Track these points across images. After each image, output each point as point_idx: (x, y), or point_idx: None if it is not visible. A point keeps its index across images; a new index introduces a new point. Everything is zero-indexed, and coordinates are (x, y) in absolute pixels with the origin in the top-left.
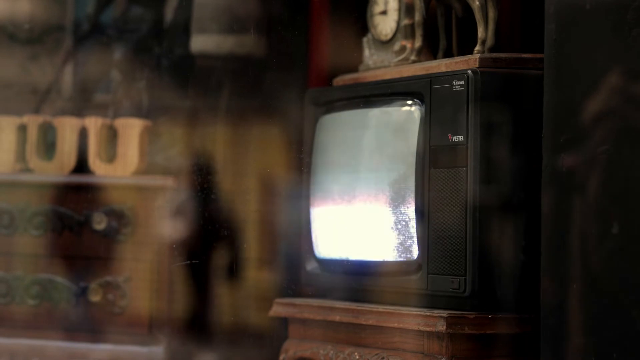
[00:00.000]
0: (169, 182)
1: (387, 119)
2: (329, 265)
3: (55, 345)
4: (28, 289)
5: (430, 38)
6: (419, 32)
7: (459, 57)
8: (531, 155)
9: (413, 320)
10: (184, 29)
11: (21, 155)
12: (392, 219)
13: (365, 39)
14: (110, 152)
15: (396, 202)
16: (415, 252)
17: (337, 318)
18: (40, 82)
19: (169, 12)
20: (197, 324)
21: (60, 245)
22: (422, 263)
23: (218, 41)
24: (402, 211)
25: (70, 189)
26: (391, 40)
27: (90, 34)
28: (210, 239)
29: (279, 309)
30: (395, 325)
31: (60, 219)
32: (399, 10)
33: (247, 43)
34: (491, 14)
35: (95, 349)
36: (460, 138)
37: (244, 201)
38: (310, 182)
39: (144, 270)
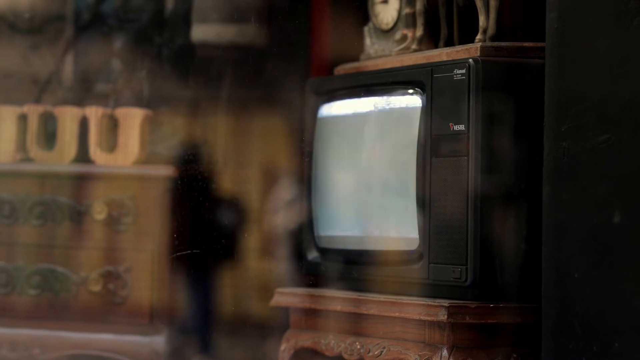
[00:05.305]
0: (169, 171)
1: (388, 108)
2: (330, 254)
3: (56, 335)
4: (29, 279)
5: (431, 27)
6: (420, 21)
7: (460, 46)
8: (532, 144)
9: (414, 309)
10: (184, 18)
11: (22, 145)
12: (394, 208)
13: (366, 28)
14: (111, 142)
15: (397, 192)
16: (416, 242)
17: (338, 308)
18: (41, 71)
19: (170, 2)
20: (199, 314)
21: (61, 235)
22: (423, 252)
23: (219, 30)
24: (404, 200)
25: (71, 179)
26: (392, 29)
27: (91, 23)
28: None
29: (280, 298)
30: (397, 314)
31: (61, 209)
32: None
33: (248, 32)
34: (492, 2)
35: (97, 338)
36: (461, 127)
37: (245, 191)
38: (311, 171)
39: (144, 260)
